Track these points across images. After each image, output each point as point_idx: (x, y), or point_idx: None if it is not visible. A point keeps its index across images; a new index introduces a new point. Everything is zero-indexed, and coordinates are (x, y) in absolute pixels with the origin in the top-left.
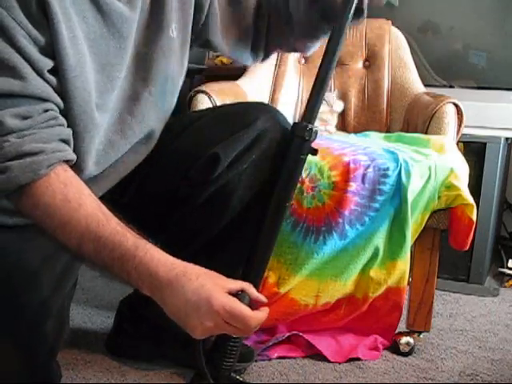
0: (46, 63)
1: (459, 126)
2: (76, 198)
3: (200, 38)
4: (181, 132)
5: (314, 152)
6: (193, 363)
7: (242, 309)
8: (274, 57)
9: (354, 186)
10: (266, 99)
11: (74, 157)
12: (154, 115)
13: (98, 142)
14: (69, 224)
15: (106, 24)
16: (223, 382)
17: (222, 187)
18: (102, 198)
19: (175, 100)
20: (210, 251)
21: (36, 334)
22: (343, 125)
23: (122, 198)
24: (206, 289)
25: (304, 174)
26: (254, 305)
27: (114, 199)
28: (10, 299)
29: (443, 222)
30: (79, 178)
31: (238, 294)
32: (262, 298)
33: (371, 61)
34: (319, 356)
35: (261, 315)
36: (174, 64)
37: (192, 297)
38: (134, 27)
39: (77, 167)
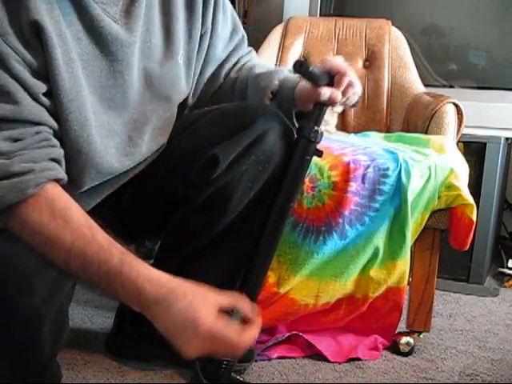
0: (41, 87)
1: (459, 126)
2: (63, 215)
3: None
4: (179, 133)
5: (320, 154)
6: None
7: (229, 335)
8: (273, 56)
9: (354, 186)
10: None
11: (64, 176)
12: (161, 138)
13: (103, 164)
14: (56, 241)
15: (100, 46)
16: (223, 382)
17: (220, 189)
18: (101, 201)
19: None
20: (210, 253)
21: (35, 336)
22: (343, 125)
23: (121, 199)
24: (193, 310)
25: None
26: (246, 321)
27: (112, 201)
28: (8, 301)
29: (443, 222)
30: (68, 195)
31: (229, 313)
32: (254, 316)
33: (371, 61)
34: (319, 356)
35: (248, 338)
36: (182, 89)
37: (179, 317)
38: (133, 50)
39: (72, 186)
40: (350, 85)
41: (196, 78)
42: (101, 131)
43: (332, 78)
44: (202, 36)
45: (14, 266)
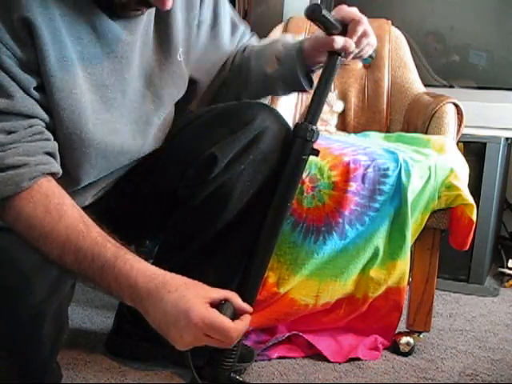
0: (32, 81)
1: (459, 126)
2: (57, 209)
3: None
4: (178, 132)
5: (316, 153)
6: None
7: (222, 321)
8: None
9: (354, 186)
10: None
11: (58, 169)
12: (162, 136)
13: (102, 162)
14: (50, 235)
15: (101, 45)
16: (223, 382)
17: (219, 188)
18: (100, 200)
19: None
20: (209, 252)
21: (34, 335)
22: (343, 125)
23: (120, 198)
24: (185, 301)
25: (304, 174)
26: (238, 314)
27: (111, 200)
28: (7, 300)
29: (443, 222)
30: (62, 189)
31: (221, 304)
32: (246, 307)
33: (371, 61)
34: (319, 356)
35: (241, 325)
36: (181, 86)
37: (171, 309)
38: (134, 50)
39: (68, 181)
40: (364, 34)
41: (198, 70)
42: (103, 129)
43: (346, 27)
44: (197, 25)
45: (14, 266)
